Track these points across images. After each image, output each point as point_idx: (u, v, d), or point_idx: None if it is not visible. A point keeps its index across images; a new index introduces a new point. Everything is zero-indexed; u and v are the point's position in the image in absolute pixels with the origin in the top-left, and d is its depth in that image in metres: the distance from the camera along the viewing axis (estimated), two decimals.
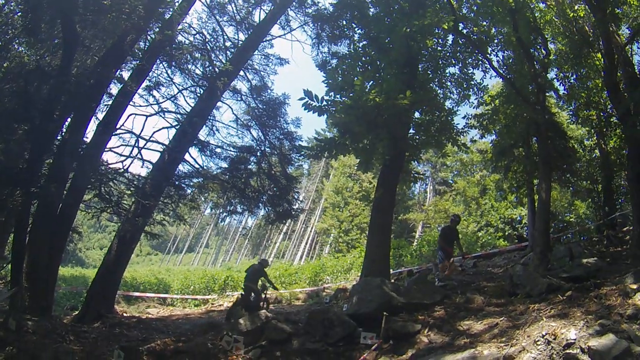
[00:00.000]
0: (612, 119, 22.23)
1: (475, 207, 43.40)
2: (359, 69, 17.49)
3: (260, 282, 17.22)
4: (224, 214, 19.88)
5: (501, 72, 20.24)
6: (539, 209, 18.08)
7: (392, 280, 19.41)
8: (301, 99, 14.36)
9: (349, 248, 47.15)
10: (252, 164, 19.34)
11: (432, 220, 48.07)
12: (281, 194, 18.43)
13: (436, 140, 18.45)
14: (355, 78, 15.69)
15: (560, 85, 23.94)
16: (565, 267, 14.85)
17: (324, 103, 14.64)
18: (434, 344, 9.36)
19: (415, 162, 19.84)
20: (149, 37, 17.32)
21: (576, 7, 21.78)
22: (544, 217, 17.48)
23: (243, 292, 16.94)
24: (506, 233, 33.54)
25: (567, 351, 6.69)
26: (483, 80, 23.62)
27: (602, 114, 22.87)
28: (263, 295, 16.95)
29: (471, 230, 36.63)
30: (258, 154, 19.34)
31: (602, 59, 19.63)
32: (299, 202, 21.99)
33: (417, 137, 18.71)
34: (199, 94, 19.10)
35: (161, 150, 17.34)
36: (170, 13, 16.45)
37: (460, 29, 20.42)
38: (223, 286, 30.88)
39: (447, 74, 21.67)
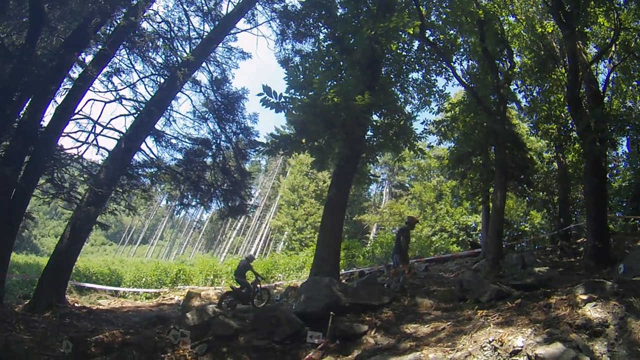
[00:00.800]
0: (571, 134, 23.29)
1: (430, 212, 44.04)
2: (322, 68, 17.59)
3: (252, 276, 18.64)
4: (179, 206, 19.99)
5: (464, 80, 20.67)
6: (493, 216, 18.83)
7: (343, 281, 19.77)
8: (260, 94, 14.48)
9: (302, 246, 47.53)
10: (207, 157, 19.47)
11: (386, 222, 48.54)
12: (235, 189, 18.34)
13: (393, 143, 18.84)
14: (316, 77, 15.95)
15: (522, 97, 24.90)
16: (516, 274, 15.19)
17: (282, 100, 14.81)
18: (379, 346, 9.51)
19: (372, 164, 20.30)
20: (114, 22, 17.13)
21: (545, 23, 22.41)
22: (497, 225, 18.23)
23: (234, 286, 18.49)
24: (460, 239, 34.61)
25: (514, 358, 6.73)
26: (445, 88, 24.35)
27: (562, 128, 23.66)
28: (258, 286, 18.43)
29: (425, 235, 37.48)
30: (213, 147, 19.38)
31: (566, 75, 20.25)
32: (252, 198, 22.12)
33: (375, 139, 19.10)
34: (159, 83, 19.04)
35: (118, 138, 17.13)
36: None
37: (427, 35, 21.14)
38: (175, 279, 31.11)
39: (410, 79, 22.22)
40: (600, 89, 19.88)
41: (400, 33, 19.02)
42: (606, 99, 28.51)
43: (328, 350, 9.99)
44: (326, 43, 19.60)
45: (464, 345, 7.71)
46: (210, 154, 18.91)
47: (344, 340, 10.39)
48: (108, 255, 78.91)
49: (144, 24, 17.93)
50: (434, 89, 22.29)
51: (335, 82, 17.08)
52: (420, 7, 20.09)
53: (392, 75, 20.99)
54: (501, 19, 23.00)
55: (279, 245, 61.16)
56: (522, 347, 6.84)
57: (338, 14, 19.24)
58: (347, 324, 10.85)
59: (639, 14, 20.10)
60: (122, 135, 17.03)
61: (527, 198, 26.79)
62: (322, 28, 20.33)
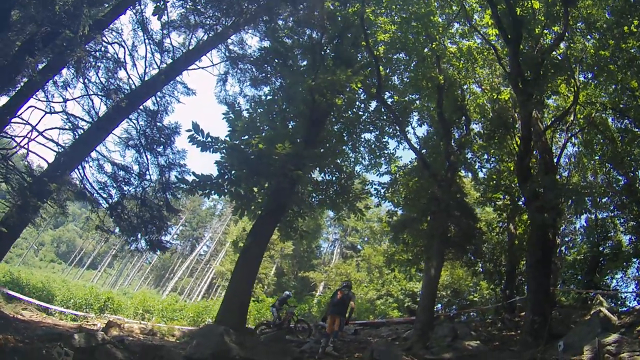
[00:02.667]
0: (519, 204, 23.13)
1: (377, 276, 43.79)
2: (270, 116, 17.61)
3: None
4: (101, 232, 19.50)
5: (414, 144, 20.50)
6: (425, 285, 18.41)
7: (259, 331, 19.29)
8: (188, 130, 14.50)
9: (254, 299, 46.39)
10: (131, 186, 18.71)
11: (332, 282, 48.06)
12: (159, 224, 18.27)
13: (333, 201, 18.65)
14: (259, 124, 16.20)
15: (479, 167, 24.97)
16: (434, 348, 14.72)
17: (209, 139, 14.66)
18: None
19: (303, 219, 19.51)
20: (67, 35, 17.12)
21: (502, 89, 22.51)
22: (429, 294, 17.84)
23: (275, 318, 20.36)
24: (405, 305, 33.97)
25: None
26: (396, 150, 24.96)
27: (512, 198, 23.57)
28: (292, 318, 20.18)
29: (370, 298, 37.66)
30: (136, 177, 18.59)
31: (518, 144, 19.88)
32: (170, 235, 21.56)
33: (315, 195, 18.82)
34: (107, 105, 18.25)
35: (56, 149, 16.37)
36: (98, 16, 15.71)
37: (385, 97, 21.22)
38: (103, 307, 30.53)
39: (362, 139, 22.23)
40: (555, 160, 20.13)
41: (360, 92, 19.25)
42: (566, 173, 28.80)
43: None
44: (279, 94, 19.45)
45: None
46: (134, 183, 18.45)
47: None
48: (55, 274, 76.61)
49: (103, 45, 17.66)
50: (385, 151, 22.41)
51: (277, 132, 16.77)
52: (381, 67, 20.22)
53: (344, 134, 21.03)
54: (464, 87, 23.25)
55: (222, 292, 60.05)
56: None
57: (295, 64, 19.32)
58: None
59: (604, 89, 20.71)
60: (62, 149, 16.44)
61: (473, 268, 26.31)
62: (278, 77, 20.00)
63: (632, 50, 18.80)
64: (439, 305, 31.75)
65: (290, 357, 12.89)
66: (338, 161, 20.28)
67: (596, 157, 24.71)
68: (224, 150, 15.04)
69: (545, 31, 18.83)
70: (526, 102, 16.48)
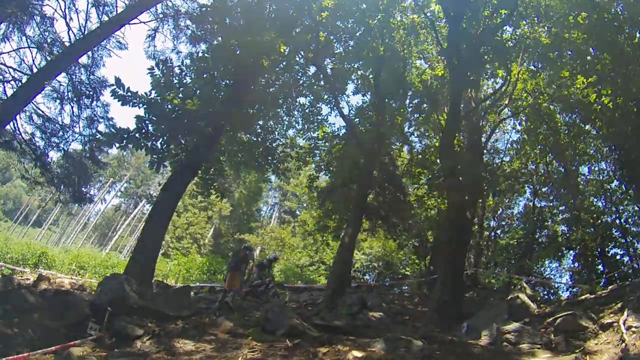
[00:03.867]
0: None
1: (312, 242, 42.78)
2: (199, 74, 17.48)
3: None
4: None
5: (344, 112, 20.80)
6: (339, 252, 18.51)
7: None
8: (111, 85, 14.62)
9: (182, 255, 45.28)
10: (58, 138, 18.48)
11: (267, 245, 48.16)
12: (82, 176, 18.11)
13: (258, 163, 18.94)
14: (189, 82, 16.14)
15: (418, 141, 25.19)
16: (342, 315, 14.84)
17: (129, 94, 14.63)
18: (143, 352, 9.43)
19: (221, 176, 19.68)
20: None
21: (436, 66, 23.08)
22: (343, 261, 18.02)
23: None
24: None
25: None
26: (328, 117, 25.05)
27: (435, 174, 23.63)
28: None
29: (302, 263, 37.94)
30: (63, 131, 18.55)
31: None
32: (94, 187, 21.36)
33: (240, 155, 19.00)
34: (45, 57, 18.14)
35: None
36: None
37: (325, 63, 21.35)
38: (37, 262, 30.89)
39: (297, 103, 22.30)
40: (484, 140, 20.37)
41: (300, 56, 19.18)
42: (508, 158, 29.22)
43: (102, 345, 9.74)
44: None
45: None
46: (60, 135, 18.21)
47: (119, 339, 10.16)
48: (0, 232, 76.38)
49: None
50: (319, 117, 22.60)
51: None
52: (322, 33, 20.20)
53: (280, 97, 20.92)
54: (409, 60, 23.24)
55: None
56: None
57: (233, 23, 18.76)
58: (123, 324, 10.56)
59: (554, 79, 20.63)
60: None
61: (398, 241, 26.65)
62: (216, 35, 19.50)
63: (579, 42, 18.94)
64: (370, 275, 32.05)
65: (189, 311, 12.93)
66: (271, 123, 21.07)
67: (539, 147, 24.67)
68: (143, 105, 14.99)
69: (496, 15, 18.55)
70: (458, 79, 16.60)
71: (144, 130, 15.16)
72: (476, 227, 27.52)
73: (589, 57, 19.08)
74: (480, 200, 25.80)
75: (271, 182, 52.72)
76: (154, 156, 15.52)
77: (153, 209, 16.67)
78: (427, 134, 24.26)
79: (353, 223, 18.77)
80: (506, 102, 21.45)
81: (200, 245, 55.82)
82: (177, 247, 53.20)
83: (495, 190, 16.13)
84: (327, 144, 22.81)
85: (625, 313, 10.40)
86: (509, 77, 20.02)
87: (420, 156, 23.58)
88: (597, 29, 17.62)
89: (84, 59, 17.84)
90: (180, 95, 15.07)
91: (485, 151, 23.91)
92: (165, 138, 15.59)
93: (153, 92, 15.26)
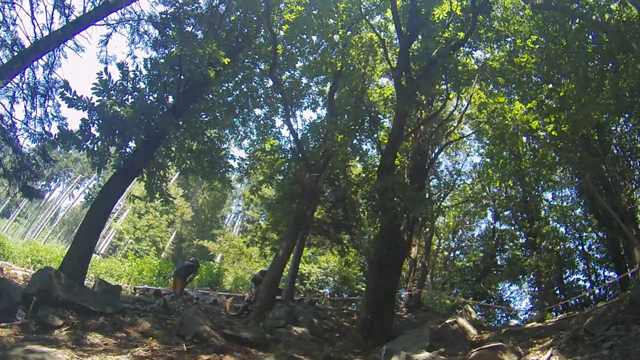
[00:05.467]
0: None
1: (269, 252, 43.74)
2: (145, 80, 17.84)
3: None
4: None
5: (292, 125, 20.97)
6: (273, 264, 19.01)
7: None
8: (61, 86, 15.25)
9: (138, 256, 45.81)
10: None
11: (226, 254, 47.99)
12: (33, 172, 18.57)
13: (205, 171, 19.44)
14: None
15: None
16: (264, 326, 15.00)
17: (75, 97, 15.10)
18: (55, 339, 9.84)
19: (164, 182, 20.06)
20: None
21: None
22: (274, 274, 18.40)
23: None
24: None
25: None
26: (281, 130, 25.85)
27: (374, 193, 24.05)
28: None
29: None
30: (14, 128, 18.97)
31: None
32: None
33: (188, 162, 19.53)
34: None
35: None
36: None
37: (282, 77, 21.92)
38: None
39: (253, 114, 23.12)
40: (427, 163, 20.84)
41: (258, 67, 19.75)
42: (469, 180, 29.87)
43: (26, 330, 10.29)
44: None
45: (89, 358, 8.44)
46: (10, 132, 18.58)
47: (43, 327, 10.66)
48: None
49: None
50: (273, 129, 23.46)
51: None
52: (280, 46, 20.85)
53: (236, 108, 21.76)
54: (366, 77, 24.03)
55: (119, 251, 60.17)
56: None
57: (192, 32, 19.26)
58: (46, 314, 11.08)
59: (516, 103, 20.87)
60: None
61: (345, 258, 27.14)
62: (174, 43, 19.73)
63: (529, 66, 19.68)
64: (328, 290, 32.59)
65: (113, 309, 13.29)
66: (227, 132, 22.05)
67: (503, 172, 24.83)
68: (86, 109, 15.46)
69: (454, 37, 18.81)
70: (404, 99, 16.82)
71: (86, 133, 15.65)
72: (421, 247, 28.34)
73: (550, 85, 19.76)
74: (429, 222, 26.45)
75: (232, 190, 52.97)
76: (95, 158, 16.00)
77: (90, 209, 17.10)
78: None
79: (290, 237, 19.27)
80: (456, 124, 22.11)
81: (159, 249, 56.33)
82: (135, 248, 53.66)
83: (421, 214, 15.97)
84: (270, 157, 23.22)
85: (549, 352, 10.40)
86: (460, 101, 20.69)
87: (364, 175, 23.76)
88: (556, 54, 18.51)
89: (43, 59, 18.45)
90: (112, 101, 15.80)
91: (447, 173, 24.55)
92: (105, 142, 16.07)
93: (94, 96, 15.77)
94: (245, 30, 20.24)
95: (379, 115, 22.38)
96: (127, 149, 16.72)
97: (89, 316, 12.18)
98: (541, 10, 18.62)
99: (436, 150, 23.42)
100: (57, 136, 15.70)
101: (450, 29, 18.88)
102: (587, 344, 10.19)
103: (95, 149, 15.94)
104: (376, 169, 18.78)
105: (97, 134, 15.86)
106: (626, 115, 19.48)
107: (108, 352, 9.16)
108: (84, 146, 15.83)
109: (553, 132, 18.29)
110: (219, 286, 30.85)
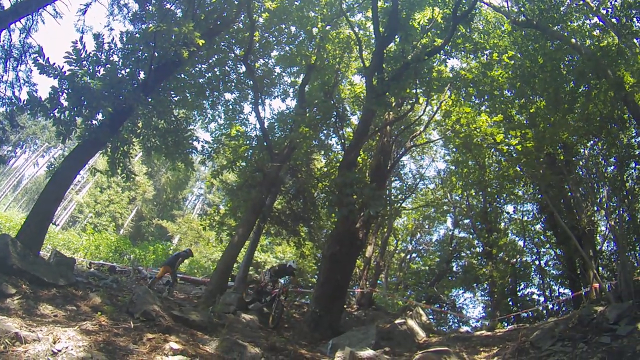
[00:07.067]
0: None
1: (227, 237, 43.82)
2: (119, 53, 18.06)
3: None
4: None
5: (261, 113, 21.48)
6: (227, 250, 19.49)
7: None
8: (34, 52, 15.66)
9: (97, 231, 45.94)
10: None
11: (184, 236, 48.43)
12: None
13: (170, 151, 19.73)
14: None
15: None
16: (212, 310, 14.94)
17: (47, 64, 15.46)
18: (7, 308, 10.02)
19: (127, 158, 20.11)
20: None
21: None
22: (227, 259, 18.93)
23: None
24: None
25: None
26: (248, 117, 26.41)
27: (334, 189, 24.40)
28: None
29: (215, 258, 38.32)
30: None
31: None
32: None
33: (153, 140, 19.81)
34: None
35: None
36: None
37: (257, 65, 22.36)
38: None
39: (223, 98, 23.66)
40: (389, 164, 21.41)
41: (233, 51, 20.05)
42: (432, 185, 30.58)
43: None
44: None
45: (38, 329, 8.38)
46: None
47: None
48: None
49: None
50: (241, 115, 24.11)
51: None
52: (257, 33, 21.27)
53: (207, 90, 22.34)
54: (339, 73, 24.43)
55: (78, 223, 60.24)
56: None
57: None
58: None
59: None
60: None
61: (301, 249, 27.48)
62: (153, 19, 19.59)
63: (502, 80, 20.18)
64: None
65: (65, 281, 13.56)
66: (195, 113, 22.44)
67: (466, 180, 25.22)
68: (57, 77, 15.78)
69: (431, 43, 19.56)
70: (373, 99, 17.12)
71: (55, 102, 15.90)
72: (377, 246, 28.97)
73: (523, 100, 20.31)
74: (387, 222, 27.06)
75: (196, 172, 52.98)
76: (61, 127, 16.23)
77: (51, 178, 17.18)
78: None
79: (246, 224, 19.75)
80: (423, 129, 22.70)
81: (118, 225, 56.25)
82: (95, 222, 53.56)
83: (377, 213, 16.23)
84: (234, 142, 23.55)
85: None
86: (431, 106, 21.24)
87: (326, 169, 24.76)
88: (531, 72, 18.91)
89: (21, 22, 18.59)
90: (90, 72, 16.04)
91: (411, 176, 25.06)
92: (72, 112, 16.33)
93: (67, 65, 16.00)
94: (225, 14, 20.39)
95: (348, 112, 22.90)
96: (94, 121, 17.00)
97: (41, 287, 12.45)
98: (521, 28, 19.29)
99: (401, 152, 24.21)
100: (25, 102, 15.87)
101: (429, 35, 19.58)
102: (532, 357, 10.81)
103: (62, 118, 16.17)
104: (339, 164, 19.21)
105: (66, 104, 16.06)
106: (595, 139, 20.04)
107: (57, 324, 9.25)
108: (51, 115, 16.03)
109: (518, 147, 18.70)
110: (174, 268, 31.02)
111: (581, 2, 19.16)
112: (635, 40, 18.00)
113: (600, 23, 19.25)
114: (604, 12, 18.42)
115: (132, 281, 19.48)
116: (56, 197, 16.91)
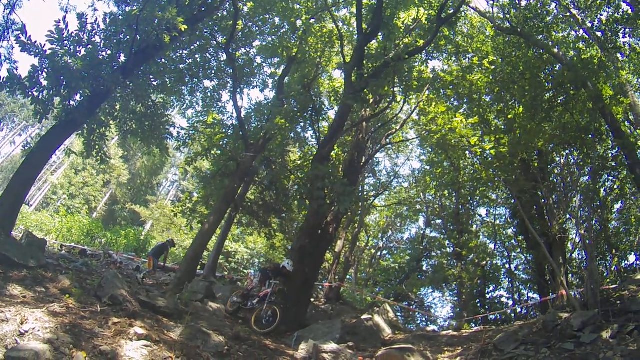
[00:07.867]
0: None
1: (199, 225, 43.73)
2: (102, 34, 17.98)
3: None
4: None
5: (239, 104, 21.68)
6: (197, 238, 19.57)
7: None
8: (17, 29, 15.67)
9: (70, 213, 44.73)
10: None
11: (156, 222, 48.36)
12: None
13: (146, 135, 19.86)
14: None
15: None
16: (185, 299, 15.00)
17: (29, 42, 15.50)
18: None
19: (104, 140, 20.14)
20: None
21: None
22: (197, 247, 19.00)
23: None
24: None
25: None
26: (226, 105, 26.84)
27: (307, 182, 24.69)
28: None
29: (187, 245, 38.14)
30: None
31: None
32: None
33: (130, 124, 19.90)
34: None
35: None
36: None
37: (237, 54, 22.54)
38: None
39: (202, 85, 23.90)
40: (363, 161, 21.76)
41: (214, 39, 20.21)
42: (406, 184, 30.96)
43: None
44: None
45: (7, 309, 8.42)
46: None
47: None
48: None
49: None
50: (219, 103, 24.41)
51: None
52: (241, 22, 21.47)
53: (186, 77, 22.47)
54: (320, 67, 24.89)
55: (52, 205, 59.05)
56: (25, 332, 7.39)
57: None
58: None
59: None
60: None
61: (272, 241, 27.96)
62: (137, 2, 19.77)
63: (480, 84, 20.28)
64: (253, 271, 33.11)
65: (35, 262, 13.52)
66: (173, 99, 22.49)
67: (440, 181, 25.68)
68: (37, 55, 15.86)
69: (413, 43, 19.72)
70: (351, 94, 17.36)
71: (34, 80, 15.99)
72: (348, 241, 29.36)
73: (501, 105, 20.49)
74: (358, 218, 27.44)
75: (172, 158, 52.94)
76: (39, 106, 16.31)
77: (26, 158, 17.31)
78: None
79: (217, 213, 19.84)
80: (399, 127, 23.06)
81: (91, 208, 55.96)
82: (68, 204, 53.24)
83: (347, 208, 16.34)
84: (210, 130, 23.81)
85: None
86: (409, 105, 21.58)
87: (299, 162, 25.07)
88: (510, 78, 19.03)
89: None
90: (71, 52, 16.17)
91: (385, 173, 25.36)
92: (51, 92, 16.35)
93: (48, 44, 16.04)
94: (210, 1, 20.46)
95: (325, 106, 23.21)
96: (72, 102, 17.01)
97: (12, 267, 12.49)
98: (505, 34, 19.69)
99: (376, 148, 24.60)
100: (5, 79, 15.86)
101: (412, 35, 19.95)
102: (494, 359, 11.13)
103: (41, 97, 16.25)
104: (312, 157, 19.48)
105: (45, 83, 16.13)
106: (571, 149, 20.38)
107: (25, 305, 9.28)
108: (30, 93, 16.14)
109: (492, 151, 18.92)
110: (144, 253, 31.11)
111: (568, 14, 19.57)
112: (619, 55, 18.42)
113: (585, 36, 19.60)
114: (590, 25, 18.85)
115: (102, 265, 19.57)
116: (30, 176, 16.95)
